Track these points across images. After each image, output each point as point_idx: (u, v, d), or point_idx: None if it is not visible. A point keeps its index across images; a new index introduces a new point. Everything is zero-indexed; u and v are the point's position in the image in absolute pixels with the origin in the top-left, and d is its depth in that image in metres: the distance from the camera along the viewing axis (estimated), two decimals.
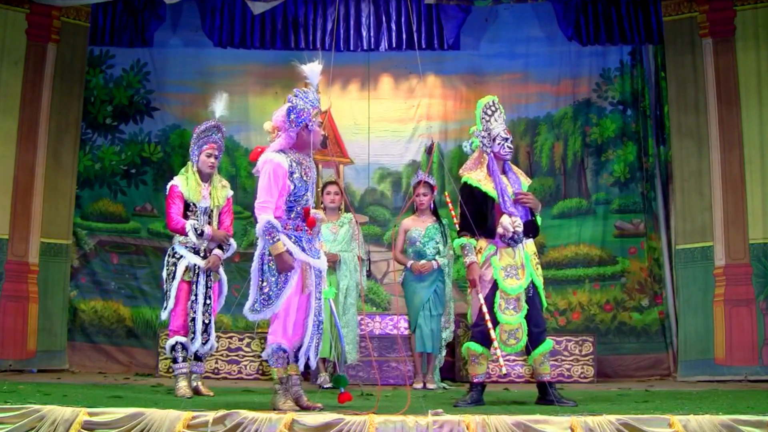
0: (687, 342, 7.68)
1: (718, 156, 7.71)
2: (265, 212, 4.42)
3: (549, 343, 5.13)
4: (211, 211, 5.79)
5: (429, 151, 8.36)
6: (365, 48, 8.62)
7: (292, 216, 4.53)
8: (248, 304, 4.47)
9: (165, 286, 5.73)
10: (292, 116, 4.53)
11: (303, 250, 4.50)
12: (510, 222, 4.97)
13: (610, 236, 8.60)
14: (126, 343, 8.44)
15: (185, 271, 5.65)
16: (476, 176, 5.13)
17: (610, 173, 8.68)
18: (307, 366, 4.58)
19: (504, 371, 5.44)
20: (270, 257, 4.42)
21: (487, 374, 5.20)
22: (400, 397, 5.33)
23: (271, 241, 4.38)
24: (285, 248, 4.40)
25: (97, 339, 8.41)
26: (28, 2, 7.81)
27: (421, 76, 8.72)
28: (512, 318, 4.96)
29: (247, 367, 7.51)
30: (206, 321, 5.68)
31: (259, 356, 7.34)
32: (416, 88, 8.92)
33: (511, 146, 5.21)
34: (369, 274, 7.84)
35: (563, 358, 7.51)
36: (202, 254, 5.72)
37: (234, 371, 7.50)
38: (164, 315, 5.71)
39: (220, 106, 5.89)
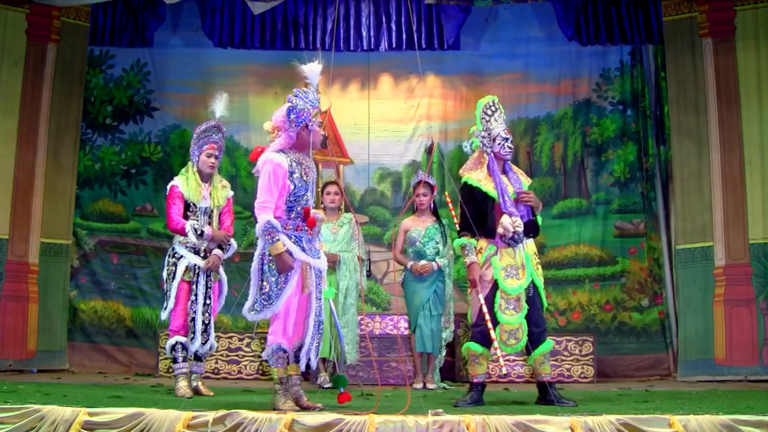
0: (687, 342, 7.68)
1: (718, 156, 7.71)
2: (265, 212, 4.42)
3: (549, 343, 5.13)
4: (212, 211, 5.79)
5: (429, 151, 8.36)
6: (365, 48, 8.62)
7: (292, 216, 4.53)
8: (248, 304, 4.47)
9: (165, 286, 5.74)
10: (292, 116, 4.53)
11: (303, 250, 4.50)
12: (510, 222, 4.98)
13: (610, 236, 8.60)
14: (126, 343, 8.44)
15: (185, 271, 5.66)
16: (476, 176, 5.13)
17: (610, 173, 8.68)
18: (307, 366, 4.58)
19: (504, 371, 5.45)
20: (270, 257, 4.42)
21: (487, 374, 5.21)
22: (400, 397, 5.33)
23: (270, 241, 4.38)
24: (285, 248, 4.40)
25: (97, 339, 8.41)
26: (28, 2, 7.81)
27: (421, 76, 8.72)
28: (512, 318, 4.96)
29: (247, 367, 7.51)
30: (206, 321, 5.68)
31: (259, 356, 7.34)
32: (416, 88, 8.92)
33: (512, 146, 5.21)
34: (369, 274, 7.84)
35: (563, 358, 7.51)
36: (202, 254, 5.72)
37: (234, 371, 7.50)
38: (164, 315, 5.71)
39: (220, 106, 5.89)
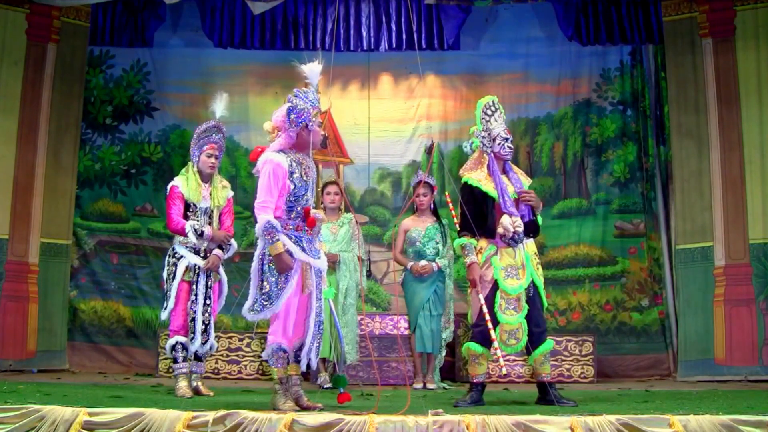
0: (687, 342, 7.68)
1: (718, 156, 7.70)
2: (265, 212, 4.42)
3: (549, 343, 5.13)
4: (212, 211, 5.79)
5: (429, 151, 8.35)
6: (365, 48, 8.62)
7: (292, 216, 4.53)
8: (247, 304, 4.47)
9: (165, 286, 5.74)
10: (292, 116, 4.54)
11: (303, 250, 4.50)
12: (510, 222, 4.98)
13: (610, 236, 8.60)
14: (126, 343, 8.44)
15: (185, 271, 5.66)
16: (476, 176, 5.14)
17: (610, 173, 8.68)
18: (308, 366, 4.58)
19: (504, 371, 5.47)
20: (270, 257, 4.42)
21: (487, 374, 5.21)
22: (400, 397, 5.33)
23: (270, 241, 4.38)
24: (284, 249, 4.40)
25: (97, 339, 8.41)
26: (28, 2, 7.81)
27: (421, 76, 8.72)
28: (512, 318, 4.96)
29: (247, 367, 7.51)
30: (206, 321, 5.68)
31: (259, 356, 7.34)
32: (416, 88, 8.91)
33: (512, 146, 5.21)
34: (369, 274, 7.84)
35: (563, 358, 7.51)
36: (202, 254, 5.72)
37: (234, 371, 7.50)
38: (164, 315, 5.71)
39: (220, 106, 5.90)
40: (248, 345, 7.53)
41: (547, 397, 5.00)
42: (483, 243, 5.09)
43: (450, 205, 5.72)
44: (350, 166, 8.78)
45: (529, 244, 5.15)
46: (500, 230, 5.01)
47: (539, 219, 5.26)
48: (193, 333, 5.62)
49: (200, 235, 5.65)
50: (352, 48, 8.60)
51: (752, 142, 7.60)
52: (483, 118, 5.19)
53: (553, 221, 8.47)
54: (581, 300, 8.46)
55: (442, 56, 8.79)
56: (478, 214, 5.07)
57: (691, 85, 7.91)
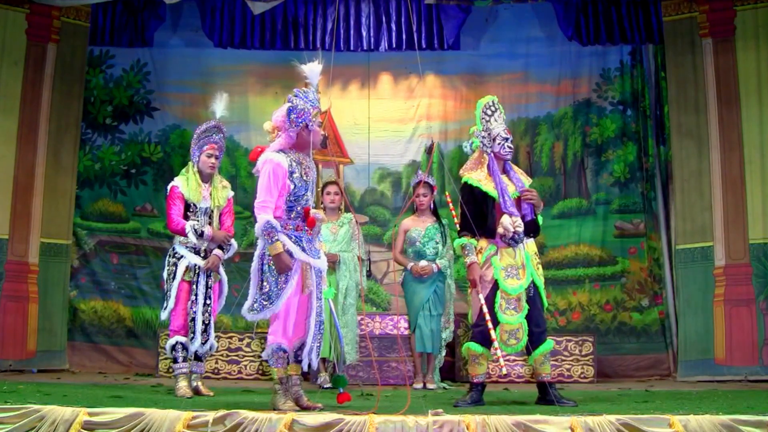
0: (687, 342, 7.68)
1: (718, 156, 7.70)
2: (265, 212, 4.42)
3: (549, 343, 5.13)
4: (212, 211, 5.79)
5: (429, 151, 8.35)
6: (365, 48, 8.62)
7: (292, 216, 4.53)
8: (247, 304, 4.47)
9: (165, 286, 5.74)
10: (293, 116, 4.54)
11: (303, 250, 4.50)
12: (510, 222, 4.98)
13: (610, 236, 8.60)
14: (126, 343, 8.44)
15: (185, 271, 5.66)
16: (477, 176, 5.14)
17: (610, 173, 8.68)
18: (308, 366, 4.58)
19: (504, 371, 5.47)
20: (270, 257, 4.42)
21: (487, 374, 5.21)
22: (400, 397, 5.33)
23: (269, 241, 4.38)
24: (283, 249, 4.40)
25: (97, 339, 8.41)
26: (28, 2, 7.81)
27: (421, 76, 8.72)
28: (513, 318, 4.96)
29: (247, 367, 7.51)
30: (206, 321, 5.68)
31: (259, 356, 7.34)
32: (416, 88, 8.92)
33: (512, 146, 5.21)
34: (369, 274, 7.84)
35: (563, 358, 7.51)
36: (202, 254, 5.72)
37: (234, 371, 7.50)
38: (164, 315, 5.71)
39: (220, 106, 5.90)
40: (248, 345, 7.53)
41: (547, 397, 5.00)
42: (483, 243, 5.09)
43: (450, 205, 5.72)
44: (350, 166, 8.78)
45: (530, 244, 5.15)
46: (500, 230, 5.01)
47: (540, 219, 5.26)
48: (193, 333, 5.63)
49: (200, 235, 5.65)
50: (352, 48, 8.60)
51: (752, 142, 7.60)
52: (483, 118, 5.19)
53: (553, 221, 8.46)
54: (581, 300, 8.46)
55: (442, 56, 8.79)
56: (478, 214, 5.07)
57: (691, 85, 7.91)
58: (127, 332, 8.47)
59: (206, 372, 6.35)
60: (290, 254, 4.44)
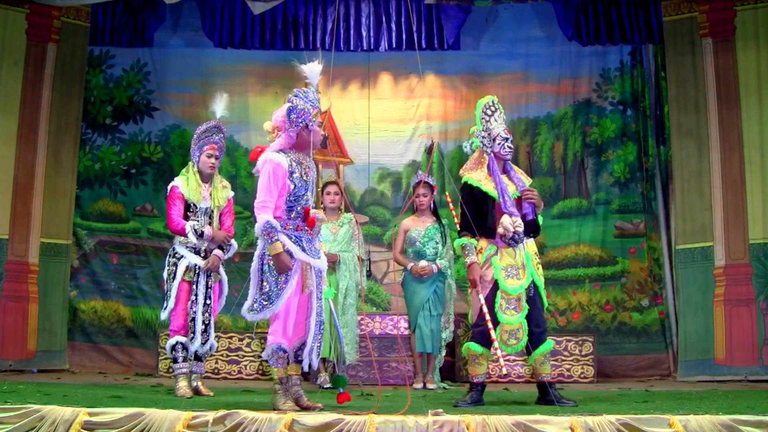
0: (687, 342, 7.68)
1: (718, 156, 7.71)
2: (265, 212, 4.42)
3: (549, 343, 5.13)
4: (212, 211, 5.79)
5: (429, 151, 8.35)
6: (365, 48, 8.62)
7: (292, 216, 4.53)
8: (247, 304, 4.47)
9: (165, 286, 5.74)
10: (293, 116, 4.54)
11: (303, 250, 4.50)
12: (510, 222, 4.98)
13: (610, 236, 8.60)
14: (126, 343, 8.44)
15: (186, 271, 5.66)
16: (477, 176, 5.14)
17: (610, 173, 8.68)
18: (308, 366, 4.58)
19: (504, 371, 5.47)
20: (270, 257, 4.42)
21: (487, 374, 5.21)
22: (400, 397, 5.33)
23: (269, 241, 4.38)
24: (283, 249, 4.40)
25: (97, 339, 8.41)
26: (28, 2, 7.81)
27: (421, 76, 8.72)
28: (513, 318, 4.96)
29: (247, 367, 7.51)
30: (206, 321, 5.68)
31: (259, 356, 7.34)
32: (416, 88, 8.92)
33: (512, 146, 5.21)
34: (369, 274, 7.84)
35: (563, 358, 7.51)
36: (202, 254, 5.72)
37: (234, 371, 7.50)
38: (164, 315, 5.71)
39: (220, 106, 5.90)
40: (248, 345, 7.53)
41: (547, 397, 5.00)
42: (483, 243, 5.09)
43: (450, 205, 5.72)
44: (350, 166, 8.78)
45: (530, 244, 5.15)
46: (500, 230, 5.01)
47: (540, 219, 5.26)
48: (193, 333, 5.63)
49: (200, 235, 5.65)
50: (352, 48, 8.60)
51: (752, 142, 7.60)
52: (483, 118, 5.19)
53: (553, 221, 8.46)
54: (581, 300, 8.46)
55: (442, 56, 8.79)
56: (478, 214, 5.07)
57: (691, 85, 7.91)
58: (127, 332, 8.47)
59: (206, 372, 6.35)
60: (290, 254, 4.44)
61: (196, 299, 5.65)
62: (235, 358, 7.52)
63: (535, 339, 5.04)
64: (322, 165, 7.95)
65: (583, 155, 8.75)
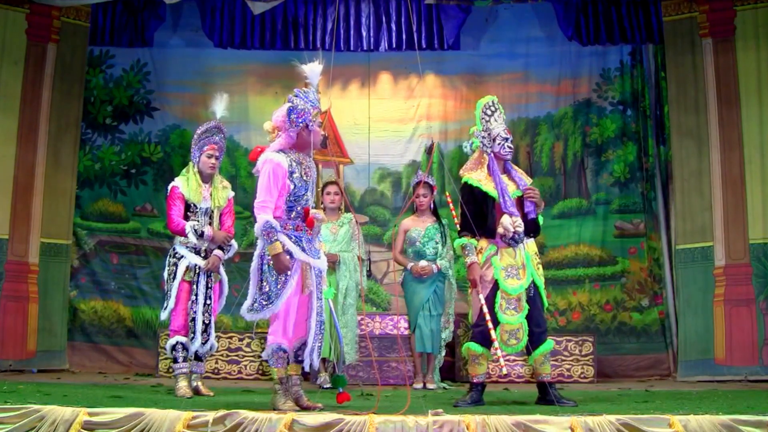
0: (687, 342, 7.68)
1: (718, 156, 7.71)
2: (264, 212, 4.42)
3: (550, 343, 5.13)
4: (212, 212, 5.80)
5: (429, 151, 8.35)
6: (365, 48, 8.62)
7: (292, 216, 4.53)
8: (246, 304, 4.47)
9: (166, 286, 5.74)
10: (293, 116, 4.53)
11: (303, 250, 4.50)
12: (510, 222, 4.98)
13: (610, 236, 8.60)
14: (126, 343, 8.44)
15: (186, 271, 5.66)
16: (477, 176, 5.14)
17: (610, 173, 8.68)
18: (309, 366, 4.58)
19: (504, 371, 5.48)
20: (269, 257, 4.42)
21: (487, 374, 5.21)
22: (400, 397, 5.33)
23: (269, 241, 4.38)
24: (283, 249, 4.39)
25: (97, 339, 8.41)
26: (28, 2, 7.81)
27: (421, 76, 8.72)
28: (513, 318, 4.96)
29: (247, 367, 7.51)
30: (206, 321, 5.69)
31: (259, 356, 7.34)
32: (416, 88, 8.91)
33: (512, 146, 5.21)
34: (369, 274, 7.84)
35: (563, 358, 7.51)
36: (202, 254, 5.73)
37: (234, 371, 7.50)
38: (164, 315, 5.72)
39: (220, 106, 5.90)
40: (248, 345, 7.53)
41: (547, 397, 5.00)
42: (483, 243, 5.09)
43: (450, 205, 5.72)
44: (350, 166, 8.78)
45: (530, 244, 5.15)
46: (500, 230, 5.01)
47: (540, 219, 5.26)
48: (194, 333, 5.63)
49: (200, 235, 5.65)
50: (352, 48, 8.60)
51: (752, 142, 7.60)
52: (483, 118, 5.19)
53: (553, 221, 8.46)
54: (581, 300, 8.46)
55: (442, 56, 8.79)
56: (478, 214, 5.07)
57: (691, 85, 7.91)
58: (127, 332, 8.47)
59: (206, 372, 6.35)
60: (290, 254, 4.44)
61: (197, 299, 5.65)
62: (235, 358, 7.52)
63: (535, 339, 5.04)
64: (322, 165, 7.95)
65: (583, 155, 8.75)
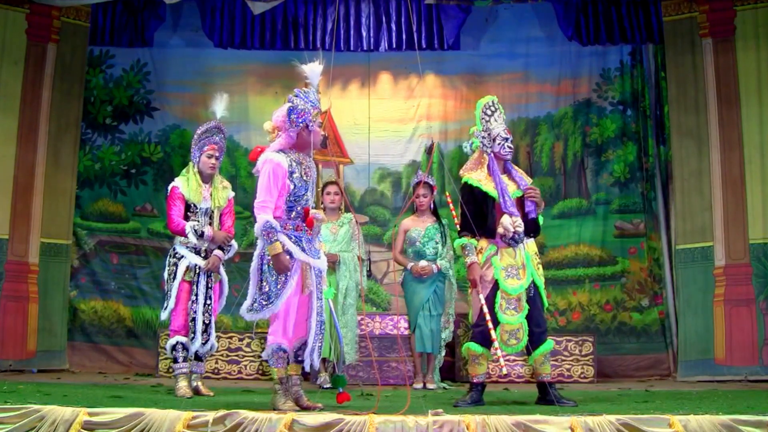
0: (687, 342, 7.68)
1: (718, 156, 7.71)
2: (264, 212, 4.42)
3: (550, 343, 5.13)
4: (212, 212, 5.80)
5: (429, 151, 8.35)
6: (365, 48, 8.62)
7: (292, 216, 4.53)
8: (246, 304, 4.47)
9: (166, 286, 5.74)
10: (293, 116, 4.53)
11: (303, 250, 4.50)
12: (510, 222, 4.98)
13: (610, 236, 8.60)
14: (126, 343, 8.44)
15: (186, 271, 5.66)
16: (477, 176, 5.14)
17: (610, 173, 8.68)
18: (309, 366, 4.58)
19: (504, 371, 5.47)
20: (269, 257, 4.42)
21: (487, 374, 5.21)
22: (400, 397, 5.33)
23: (269, 241, 4.38)
24: (282, 249, 4.39)
25: (97, 339, 8.41)
26: (28, 2, 7.81)
27: (421, 76, 8.72)
28: (513, 318, 4.96)
29: (247, 367, 7.51)
30: (206, 321, 5.69)
31: (259, 356, 7.34)
32: (416, 88, 8.91)
33: (511, 146, 5.21)
34: (369, 274, 7.84)
35: (563, 358, 7.51)
36: (203, 254, 5.73)
37: (234, 371, 7.50)
38: (164, 315, 5.72)
39: (220, 106, 5.90)
40: (248, 345, 7.53)
41: (547, 397, 5.00)
42: (483, 243, 5.09)
43: (450, 205, 5.72)
44: (350, 166, 8.78)
45: (530, 244, 5.15)
46: (500, 230, 5.01)
47: (540, 219, 5.26)
48: (194, 333, 5.63)
49: (200, 235, 5.65)
50: (352, 48, 8.60)
51: (752, 142, 7.60)
52: (483, 118, 5.19)
53: (553, 221, 8.46)
54: (581, 300, 8.46)
55: (442, 56, 8.79)
56: (478, 214, 5.07)
57: (691, 85, 7.91)
58: (127, 332, 8.47)
59: (206, 372, 6.35)
60: (290, 254, 4.44)
61: (197, 299, 5.65)
62: (235, 358, 7.52)
63: (535, 339, 5.04)
64: (322, 165, 7.95)
65: (583, 155, 8.75)
